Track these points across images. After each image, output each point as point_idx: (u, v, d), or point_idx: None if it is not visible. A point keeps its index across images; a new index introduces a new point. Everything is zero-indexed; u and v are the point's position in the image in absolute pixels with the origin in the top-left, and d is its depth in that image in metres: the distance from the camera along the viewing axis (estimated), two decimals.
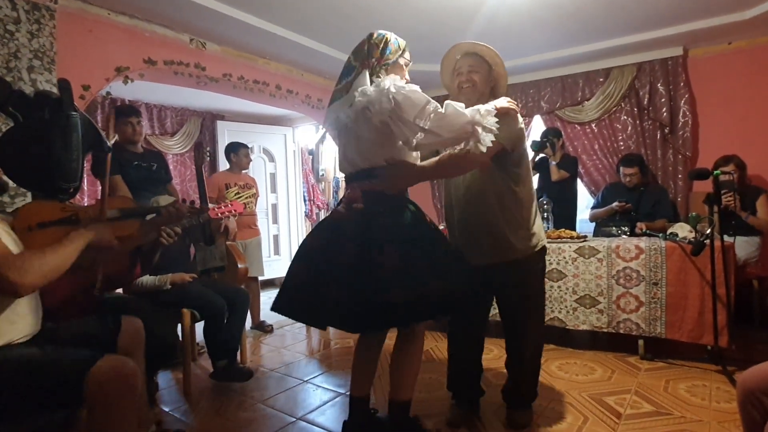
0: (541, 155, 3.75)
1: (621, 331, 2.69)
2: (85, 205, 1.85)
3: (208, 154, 2.71)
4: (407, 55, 1.67)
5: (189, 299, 2.42)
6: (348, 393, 2.32)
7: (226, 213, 2.50)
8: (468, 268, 1.69)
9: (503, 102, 1.65)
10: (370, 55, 1.59)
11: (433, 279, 1.50)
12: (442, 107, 1.46)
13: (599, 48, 3.78)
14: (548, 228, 3.16)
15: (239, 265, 2.61)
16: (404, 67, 1.66)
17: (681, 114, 3.80)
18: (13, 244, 1.35)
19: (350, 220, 1.56)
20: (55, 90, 2.50)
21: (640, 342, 2.67)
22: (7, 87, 0.65)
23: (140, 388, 1.35)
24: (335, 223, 1.62)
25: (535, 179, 3.85)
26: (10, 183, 1.64)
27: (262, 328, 3.66)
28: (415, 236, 1.55)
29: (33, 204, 1.67)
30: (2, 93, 0.64)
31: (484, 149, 1.46)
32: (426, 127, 1.43)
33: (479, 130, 1.44)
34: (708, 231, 2.42)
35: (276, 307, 1.64)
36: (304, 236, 5.21)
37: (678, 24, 3.43)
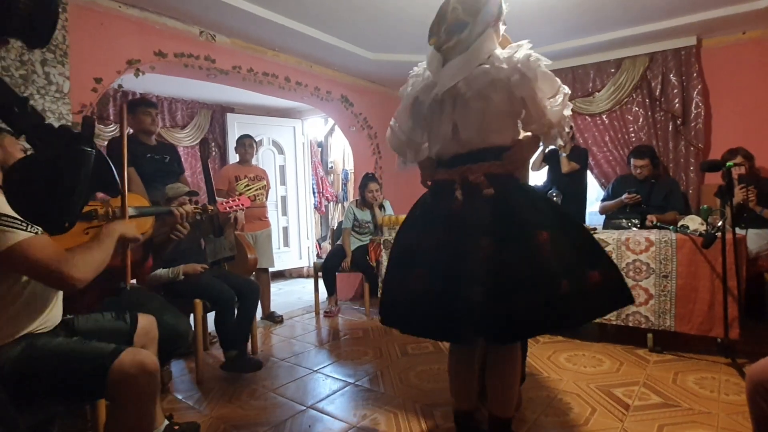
0: (552, 147, 3.72)
1: (630, 324, 2.69)
2: (100, 201, 1.91)
3: (213, 149, 2.75)
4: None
5: (200, 290, 2.46)
6: (355, 383, 2.36)
7: (234, 207, 2.53)
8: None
9: (566, 89, 1.56)
10: (500, 12, 1.36)
11: (589, 268, 1.32)
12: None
13: (611, 38, 3.73)
14: None
15: (249, 255, 2.65)
16: (502, 30, 1.44)
17: (693, 105, 3.75)
18: None
19: (472, 208, 1.34)
20: (67, 83, 2.54)
21: (649, 335, 2.66)
22: (38, 119, 0.66)
23: (159, 380, 1.35)
24: (448, 216, 1.37)
25: (545, 171, 3.84)
26: None
27: (273, 318, 3.71)
28: (556, 218, 1.37)
29: None
30: (31, 120, 0.65)
31: (567, 149, 1.42)
32: (552, 109, 1.29)
33: (565, 125, 1.35)
34: (719, 223, 2.40)
35: (392, 322, 1.48)
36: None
37: (692, 13, 3.37)
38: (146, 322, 1.69)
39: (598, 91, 4.08)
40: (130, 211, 1.78)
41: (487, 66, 1.32)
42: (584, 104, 4.16)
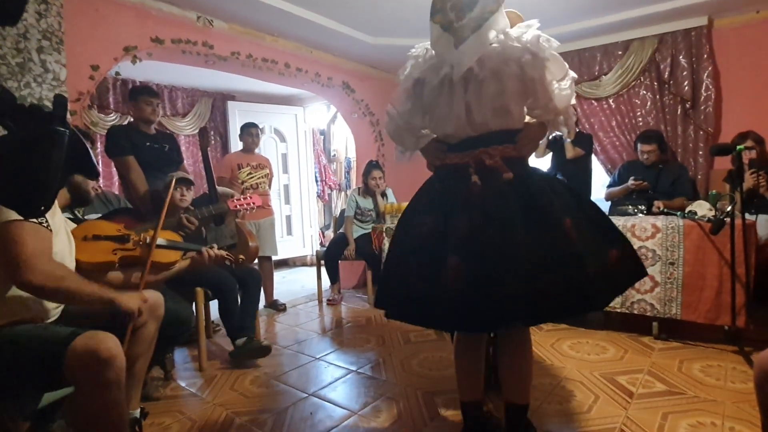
0: (556, 132, 3.65)
1: (635, 312, 2.65)
2: (137, 228, 2.01)
3: (213, 138, 2.75)
4: None
5: (202, 278, 2.45)
6: (357, 370, 2.36)
7: (245, 206, 2.54)
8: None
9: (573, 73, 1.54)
10: None
11: (610, 248, 1.32)
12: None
13: (619, 19, 3.63)
14: None
15: (250, 243, 2.63)
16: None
17: (704, 88, 3.65)
18: (67, 244, 1.50)
19: (495, 193, 1.29)
20: (64, 71, 2.51)
21: (654, 323, 2.63)
22: (10, 99, 0.63)
23: (121, 365, 1.25)
24: (469, 201, 1.31)
25: (549, 157, 3.78)
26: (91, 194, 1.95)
27: (275, 306, 3.71)
28: (574, 201, 1.36)
29: (97, 221, 1.97)
30: (3, 104, 0.62)
31: (571, 135, 1.40)
32: (559, 93, 1.26)
33: (570, 112, 1.33)
34: (728, 209, 2.34)
35: (442, 324, 1.47)
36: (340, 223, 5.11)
37: None
38: (153, 296, 1.68)
39: (605, 75, 3.98)
40: (160, 241, 1.88)
41: (499, 45, 1.27)
42: (590, 88, 4.07)
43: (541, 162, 3.91)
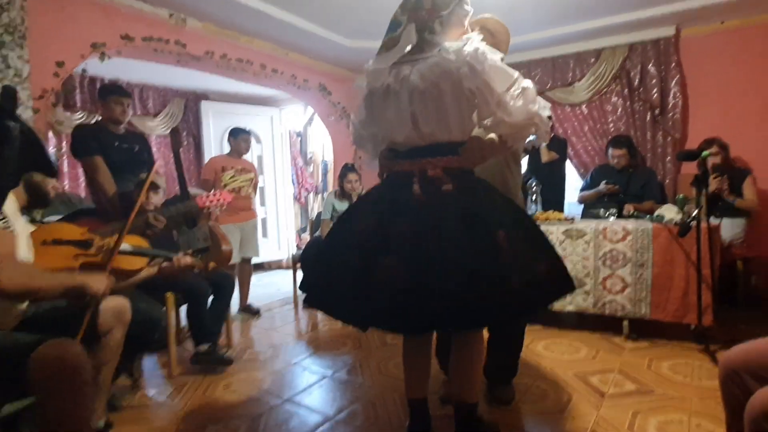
0: (532, 137, 3.72)
1: (606, 312, 2.71)
2: (101, 230, 1.93)
3: (185, 138, 2.68)
4: (467, 6, 1.43)
5: (174, 282, 2.38)
6: (333, 374, 2.33)
7: (215, 203, 2.47)
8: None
9: (529, 83, 1.58)
10: (418, 6, 1.39)
11: (539, 261, 1.37)
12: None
13: (590, 27, 3.72)
14: (537, 210, 3.15)
15: (223, 247, 2.57)
16: (464, 21, 1.44)
17: (671, 95, 3.78)
18: (26, 250, 1.46)
19: (435, 203, 1.32)
20: (27, 67, 2.41)
21: (625, 322, 2.70)
22: None
23: (87, 373, 1.23)
24: (414, 207, 1.34)
25: (525, 161, 3.84)
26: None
27: (249, 310, 3.64)
28: (512, 215, 1.41)
29: (58, 223, 1.86)
30: None
31: (544, 142, 1.44)
32: (510, 104, 1.28)
33: (538, 122, 1.34)
34: (694, 213, 2.42)
35: (365, 321, 1.44)
36: (297, 222, 5.09)
37: (671, 2, 3.38)
38: (117, 303, 1.62)
39: (578, 81, 4.08)
40: (125, 246, 1.79)
41: (437, 58, 1.33)
42: (564, 94, 4.17)
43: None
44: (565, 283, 1.44)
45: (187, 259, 2.22)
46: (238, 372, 2.42)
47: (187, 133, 5.23)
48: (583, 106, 4.11)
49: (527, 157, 3.76)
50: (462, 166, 1.39)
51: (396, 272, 1.28)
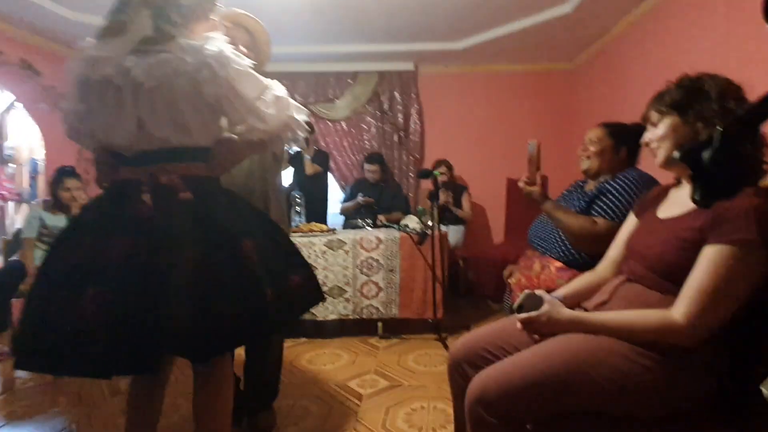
0: (296, 149, 3.74)
1: (364, 317, 2.90)
2: None
3: None
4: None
5: None
6: None
7: None
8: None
9: (283, 91, 1.48)
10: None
11: (292, 273, 1.31)
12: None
13: (347, 51, 4.02)
14: (301, 222, 3.15)
15: None
16: (210, 15, 1.30)
17: (412, 121, 4.42)
18: None
19: (166, 215, 1.13)
20: None
21: (379, 324, 2.94)
22: None
23: None
24: (136, 223, 1.13)
25: (290, 172, 3.83)
26: None
27: None
28: (261, 225, 1.31)
29: None
30: None
31: (298, 149, 1.31)
32: (263, 111, 1.21)
33: (295, 126, 1.30)
34: (429, 223, 2.83)
35: (44, 364, 1.12)
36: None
37: (410, 42, 3.94)
38: None
39: (338, 99, 4.35)
40: None
41: (169, 55, 1.15)
42: (326, 109, 4.37)
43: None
44: (317, 294, 1.42)
45: None
46: None
47: None
48: (343, 123, 4.40)
49: (292, 170, 3.77)
50: (205, 173, 1.24)
51: (104, 303, 1.04)
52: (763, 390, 0.77)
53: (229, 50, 1.17)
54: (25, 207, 4.28)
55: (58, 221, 2.92)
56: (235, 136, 1.31)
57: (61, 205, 2.95)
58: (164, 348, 1.09)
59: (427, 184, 4.10)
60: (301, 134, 1.34)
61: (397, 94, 4.37)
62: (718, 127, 0.60)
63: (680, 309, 0.95)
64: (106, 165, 1.25)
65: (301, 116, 1.33)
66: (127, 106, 1.17)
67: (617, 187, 1.68)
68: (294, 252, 1.40)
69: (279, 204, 1.81)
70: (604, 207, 1.67)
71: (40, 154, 4.16)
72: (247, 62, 1.21)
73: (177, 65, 1.14)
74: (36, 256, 2.85)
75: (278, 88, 1.27)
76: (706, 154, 0.60)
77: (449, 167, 4.01)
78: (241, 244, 1.17)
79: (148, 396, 1.33)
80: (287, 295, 1.26)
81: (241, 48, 1.60)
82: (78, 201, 2.96)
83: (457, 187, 4.04)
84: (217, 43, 1.17)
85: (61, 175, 2.96)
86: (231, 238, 1.17)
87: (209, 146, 1.26)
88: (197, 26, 1.25)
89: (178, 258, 1.09)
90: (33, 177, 4.30)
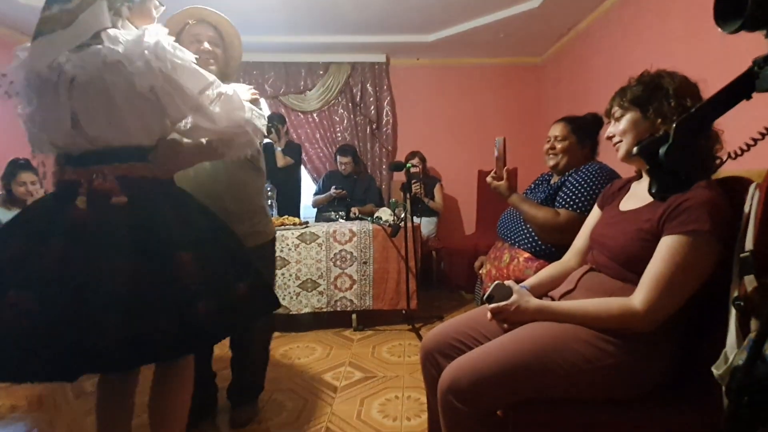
0: (267, 140, 3.68)
1: (338, 309, 2.91)
2: None
3: None
4: None
5: None
6: None
7: None
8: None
9: (247, 94, 1.42)
10: None
11: (238, 281, 1.27)
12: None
13: (318, 42, 3.96)
14: (273, 215, 3.12)
15: None
16: (153, 12, 1.26)
17: (385, 113, 4.41)
18: None
19: (101, 220, 1.09)
20: None
21: (353, 316, 2.95)
22: None
23: None
24: (71, 226, 1.08)
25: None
26: None
27: None
28: (209, 232, 1.25)
29: None
30: None
31: (252, 152, 1.32)
32: (209, 109, 1.18)
33: (250, 130, 1.28)
34: (403, 215, 2.85)
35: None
36: None
37: (381, 34, 3.92)
38: None
39: (309, 90, 4.29)
40: None
41: (99, 47, 1.11)
42: (297, 101, 4.31)
43: None
44: (268, 301, 1.40)
45: None
46: None
47: None
48: (315, 114, 4.35)
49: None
50: (148, 174, 1.19)
51: (31, 309, 1.01)
52: (714, 371, 0.83)
53: (167, 42, 1.13)
54: None
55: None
56: (182, 138, 1.28)
57: (15, 200, 2.81)
58: (82, 358, 1.04)
59: (399, 176, 4.12)
60: (257, 140, 1.32)
61: (369, 86, 4.35)
62: (673, 124, 0.63)
63: (638, 297, 1.00)
64: (56, 164, 1.22)
65: (259, 121, 1.31)
66: (61, 104, 1.13)
67: (579, 179, 1.74)
68: (243, 260, 1.35)
69: (259, 201, 1.79)
70: (566, 199, 1.73)
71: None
72: (189, 56, 1.17)
73: (107, 57, 1.09)
74: None
75: (225, 87, 1.23)
76: (661, 150, 0.63)
77: (422, 159, 4.03)
78: (175, 256, 1.13)
79: (117, 396, 1.30)
80: (231, 305, 1.22)
81: (206, 45, 1.56)
82: (34, 196, 2.82)
83: (429, 179, 4.07)
84: (153, 34, 1.13)
85: (15, 168, 2.81)
86: (165, 248, 1.13)
87: (152, 146, 1.22)
88: (141, 23, 1.22)
89: (110, 267, 1.06)
90: None
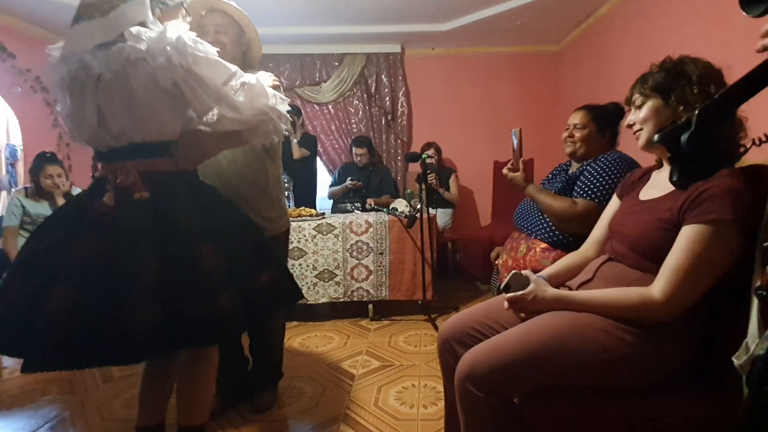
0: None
1: (355, 299, 2.94)
2: None
3: None
4: None
5: None
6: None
7: None
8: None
9: (269, 80, 1.45)
10: None
11: (261, 272, 1.30)
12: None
13: (333, 33, 3.96)
14: (289, 206, 3.15)
15: None
16: (180, 18, 1.30)
17: (400, 104, 4.40)
18: None
19: (127, 215, 1.13)
20: None
21: (370, 306, 2.98)
22: None
23: None
24: (101, 220, 1.13)
25: None
26: None
27: None
28: (231, 224, 1.28)
29: None
30: None
31: (277, 139, 1.31)
32: (233, 99, 1.18)
33: (275, 117, 1.27)
34: (418, 206, 2.85)
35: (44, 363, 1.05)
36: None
37: (396, 24, 3.90)
38: None
39: (324, 82, 4.30)
40: None
41: (123, 44, 1.13)
42: (312, 93, 4.32)
43: None
44: (290, 292, 1.42)
45: None
46: None
47: None
48: (330, 106, 4.36)
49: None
50: (171, 169, 1.23)
51: (72, 302, 1.05)
52: (735, 361, 0.82)
53: (188, 36, 1.14)
54: (4, 195, 4.17)
55: (41, 209, 2.88)
56: (206, 128, 1.29)
57: (43, 192, 2.90)
58: (135, 344, 1.08)
59: (415, 167, 4.12)
60: (283, 126, 1.32)
61: (384, 77, 4.34)
62: (695, 111, 0.62)
63: (658, 286, 0.99)
64: (92, 160, 1.27)
65: (283, 107, 1.32)
66: (87, 99, 1.17)
67: (597, 168, 1.72)
68: (264, 252, 1.38)
69: (276, 193, 1.81)
70: (585, 188, 1.71)
71: (17, 139, 4.05)
72: (210, 49, 1.18)
73: (130, 54, 1.12)
74: (19, 245, 2.81)
75: (247, 76, 1.24)
76: (683, 137, 0.63)
77: (438, 150, 4.02)
78: (201, 249, 1.16)
79: (162, 374, 1.36)
80: (254, 296, 1.25)
81: (220, 37, 1.58)
82: (61, 188, 2.91)
83: (444, 170, 4.06)
84: (175, 29, 1.15)
85: (41, 162, 2.90)
86: (188, 241, 1.16)
87: (176, 140, 1.25)
88: (167, 18, 1.25)
89: (140, 261, 1.09)
90: (11, 164, 4.18)
